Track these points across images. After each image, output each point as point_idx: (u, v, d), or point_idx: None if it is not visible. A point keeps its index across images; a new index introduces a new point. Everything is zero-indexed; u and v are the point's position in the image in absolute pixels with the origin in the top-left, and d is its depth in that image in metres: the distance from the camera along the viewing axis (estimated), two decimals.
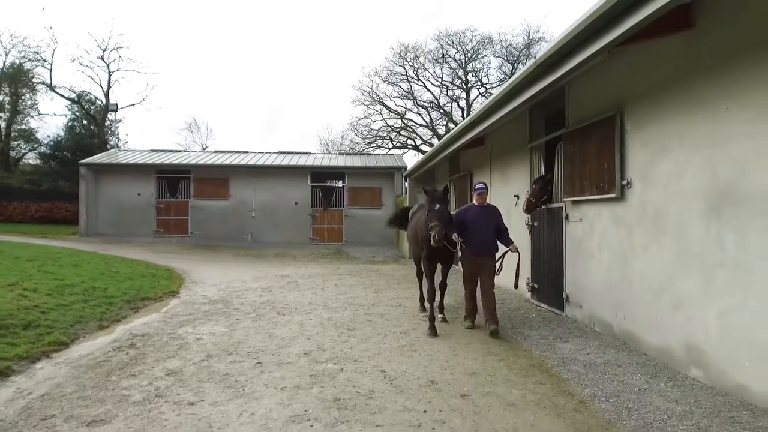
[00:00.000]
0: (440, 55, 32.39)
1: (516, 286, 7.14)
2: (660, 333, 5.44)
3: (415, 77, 33.15)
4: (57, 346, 6.11)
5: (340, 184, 24.32)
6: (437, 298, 7.31)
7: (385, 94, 34.43)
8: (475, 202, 7.14)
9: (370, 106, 34.16)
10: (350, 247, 22.23)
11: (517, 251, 6.89)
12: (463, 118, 32.18)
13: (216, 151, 27.49)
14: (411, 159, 31.86)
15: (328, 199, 24.08)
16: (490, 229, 6.91)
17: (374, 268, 15.64)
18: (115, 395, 4.54)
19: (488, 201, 7.33)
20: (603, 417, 4.13)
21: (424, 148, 33.41)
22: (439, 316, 7.46)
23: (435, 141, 32.26)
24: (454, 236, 6.75)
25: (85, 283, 9.59)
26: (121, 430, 3.82)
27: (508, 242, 6.94)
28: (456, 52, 32.58)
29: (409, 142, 35.73)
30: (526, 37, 31.52)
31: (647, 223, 5.67)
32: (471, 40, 32.41)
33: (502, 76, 32.14)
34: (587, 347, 6.11)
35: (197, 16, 65.89)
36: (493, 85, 32.50)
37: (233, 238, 22.61)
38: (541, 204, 8.33)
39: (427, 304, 7.11)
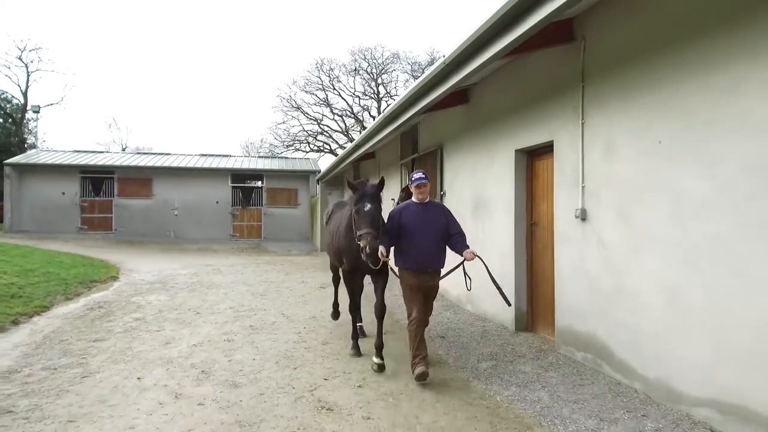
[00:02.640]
0: (354, 68, 35.48)
1: (509, 303, 5.28)
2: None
3: (331, 87, 35.99)
4: (42, 308, 8.37)
5: (259, 184, 26.66)
6: (375, 328, 5.43)
7: (303, 101, 37.05)
8: (413, 198, 5.21)
9: (289, 112, 36.61)
10: (268, 242, 24.68)
11: (476, 257, 4.94)
12: None
13: (139, 153, 28.87)
14: (328, 162, 34.62)
15: (247, 199, 26.36)
16: (436, 234, 5.01)
17: (289, 259, 18.32)
18: (103, 329, 7.03)
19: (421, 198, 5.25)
20: None
21: (339, 152, 36.30)
22: (375, 361, 5.13)
23: (350, 146, 35.29)
24: (381, 251, 4.85)
25: (41, 269, 11.62)
26: (117, 343, 6.36)
27: (460, 247, 4.99)
28: (368, 66, 35.79)
29: (326, 146, 38.51)
30: (429, 56, 35.29)
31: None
32: (381, 55, 35.82)
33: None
34: None
35: (120, 16, 64.83)
36: (399, 96, 36.15)
37: (156, 235, 24.31)
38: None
39: (350, 325, 6.07)
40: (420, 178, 5.17)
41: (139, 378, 4.95)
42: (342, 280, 6.39)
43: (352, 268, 5.69)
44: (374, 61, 35.56)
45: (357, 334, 5.99)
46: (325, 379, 4.92)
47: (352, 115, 36.63)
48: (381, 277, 5.51)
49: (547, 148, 6.22)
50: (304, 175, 26.51)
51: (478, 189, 7.87)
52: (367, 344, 6.07)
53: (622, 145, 4.82)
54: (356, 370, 5.20)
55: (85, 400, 4.36)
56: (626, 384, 4.71)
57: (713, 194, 3.79)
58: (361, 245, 4.78)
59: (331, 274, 7.73)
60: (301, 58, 60.42)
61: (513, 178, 6.83)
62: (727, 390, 3.68)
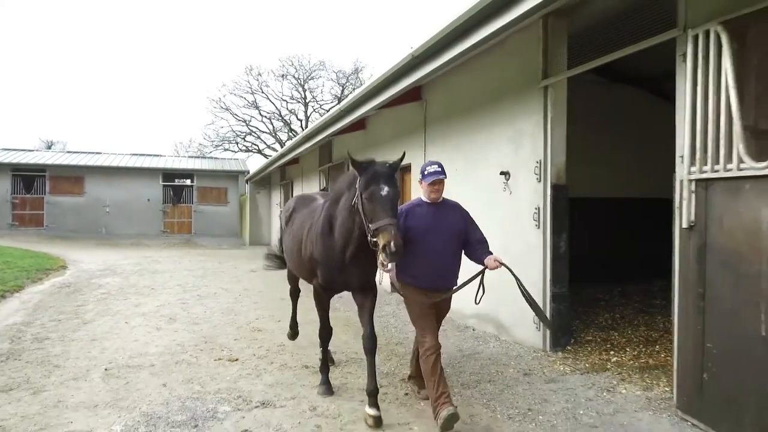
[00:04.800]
0: (282, 74, 37.51)
1: (547, 321, 4.75)
2: None
3: (259, 90, 37.81)
4: (18, 288, 10.24)
5: (189, 183, 28.27)
6: (366, 365, 4.10)
7: (233, 103, 38.64)
8: (424, 197, 4.01)
9: (218, 114, 38.11)
10: (198, 237, 26.45)
11: (502, 265, 3.81)
12: (302, 129, 37.78)
13: (70, 151, 29.55)
14: (256, 161, 36.44)
15: (178, 196, 27.93)
16: (453, 242, 3.95)
17: (220, 252, 20.42)
18: (80, 299, 9.14)
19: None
20: None
21: (267, 152, 38.16)
22: (370, 413, 3.79)
23: (278, 147, 37.26)
24: (387, 266, 3.80)
25: None
26: (97, 306, 8.52)
27: (482, 255, 3.92)
28: (296, 72, 37.93)
29: (254, 146, 40.25)
30: (354, 65, 38.03)
31: None
32: (308, 62, 38.12)
33: (335, 94, 38.23)
34: None
35: (50, 9, 62.50)
36: (327, 102, 38.46)
37: (88, 231, 25.40)
38: None
39: (318, 349, 4.83)
40: (436, 173, 3.82)
41: (126, 322, 7.25)
42: (305, 295, 5.36)
43: (330, 283, 4.25)
44: (301, 67, 37.73)
45: (327, 366, 4.61)
46: (257, 319, 7.47)
47: (281, 118, 38.61)
48: (369, 296, 4.18)
49: (408, 168, 9.08)
50: (234, 175, 28.40)
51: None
52: (338, 375, 4.92)
53: (448, 161, 7.73)
54: (279, 314, 7.73)
55: (95, 332, 6.64)
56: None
57: (476, 198, 6.68)
58: (381, 242, 3.40)
59: (289, 286, 5.96)
60: (230, 62, 61.29)
61: None
62: (484, 311, 6.60)
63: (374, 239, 3.52)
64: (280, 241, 5.80)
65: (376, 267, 4.06)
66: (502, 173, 6.25)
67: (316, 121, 35.84)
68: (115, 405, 4.18)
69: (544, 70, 5.63)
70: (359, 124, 10.88)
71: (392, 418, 3.89)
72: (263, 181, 24.40)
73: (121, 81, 65.86)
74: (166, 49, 67.42)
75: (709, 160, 3.54)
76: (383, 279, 4.15)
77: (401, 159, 3.92)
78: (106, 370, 5.07)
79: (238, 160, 32.89)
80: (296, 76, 37.83)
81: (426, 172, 3.92)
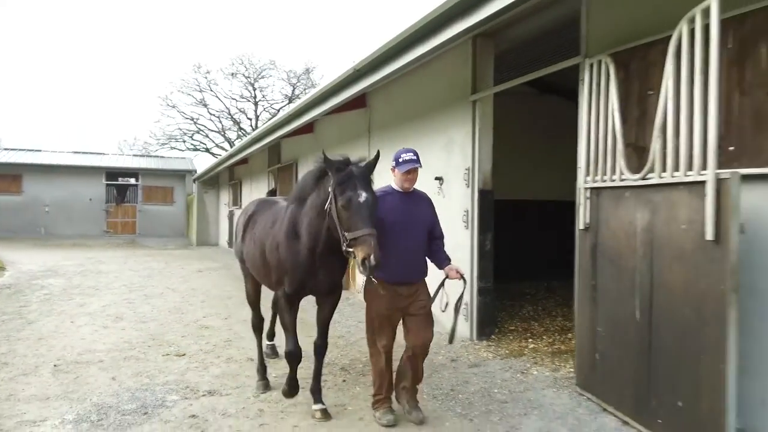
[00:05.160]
0: (232, 72, 37.14)
1: (451, 340, 4.02)
2: None
3: (208, 88, 37.31)
4: None
5: (133, 182, 27.67)
6: (312, 367, 4.17)
7: (180, 101, 37.93)
8: (395, 185, 3.84)
9: (165, 111, 37.33)
10: (143, 238, 25.97)
11: (462, 278, 3.82)
12: (252, 128, 37.56)
13: (7, 148, 28.31)
14: (204, 160, 35.94)
15: (122, 196, 27.31)
16: (423, 234, 3.83)
17: (166, 252, 20.19)
18: (22, 300, 9.06)
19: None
20: None
21: (216, 151, 37.70)
22: (316, 408, 3.97)
23: (227, 146, 36.90)
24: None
25: None
26: (40, 307, 8.49)
27: (442, 260, 3.90)
28: (246, 70, 37.64)
29: (202, 144, 39.64)
30: (305, 65, 38.12)
31: None
32: (259, 61, 37.93)
33: (285, 94, 38.20)
34: None
35: None
36: (278, 102, 38.40)
37: (26, 231, 24.49)
38: None
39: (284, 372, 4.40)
40: (412, 160, 3.63)
41: (72, 322, 7.34)
42: (266, 304, 5.27)
43: (297, 290, 3.95)
44: (252, 66, 37.47)
45: (294, 386, 4.21)
46: (204, 317, 7.71)
47: (230, 117, 38.22)
48: (332, 299, 4.13)
49: None
50: (180, 174, 28.01)
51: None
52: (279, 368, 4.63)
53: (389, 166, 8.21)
54: (226, 312, 7.99)
55: (41, 332, 6.72)
56: None
57: None
58: (359, 255, 3.19)
59: (250, 294, 5.31)
60: (178, 59, 59.80)
61: None
62: None
63: (350, 249, 3.33)
64: (238, 247, 5.14)
65: (345, 270, 4.09)
66: (436, 178, 6.77)
67: (266, 120, 35.58)
68: (66, 397, 4.40)
69: (473, 86, 6.18)
70: (308, 128, 11.22)
71: (329, 401, 4.28)
72: (211, 180, 24.24)
73: (61, 75, 63.24)
74: (108, 43, 65.17)
75: (599, 172, 4.15)
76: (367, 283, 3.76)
77: (377, 158, 3.64)
78: (55, 366, 5.25)
79: (186, 159, 32.42)
80: (246, 74, 37.51)
81: (401, 160, 3.69)
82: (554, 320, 6.89)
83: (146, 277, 12.19)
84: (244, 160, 17.78)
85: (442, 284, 3.94)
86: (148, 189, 27.47)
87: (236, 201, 19.83)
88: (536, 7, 4.99)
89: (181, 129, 37.73)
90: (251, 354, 5.70)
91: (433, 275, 3.96)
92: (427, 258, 3.96)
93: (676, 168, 3.33)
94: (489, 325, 6.18)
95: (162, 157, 33.26)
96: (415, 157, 3.71)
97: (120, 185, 27.38)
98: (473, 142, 6.15)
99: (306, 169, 12.06)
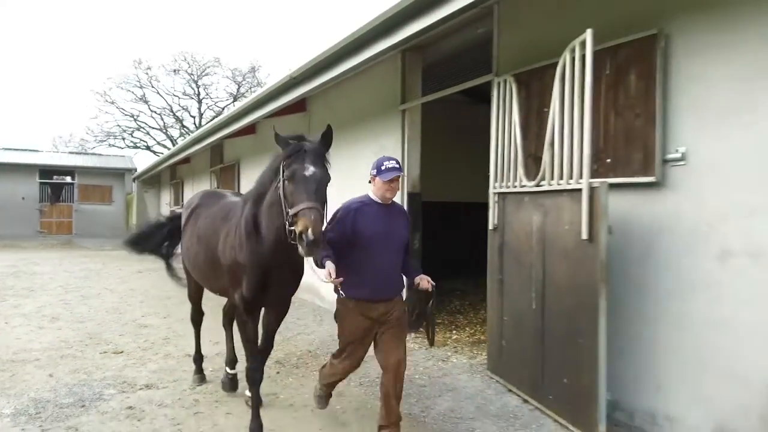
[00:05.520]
0: (174, 69, 36.37)
1: (431, 343, 4.15)
2: None
3: (149, 84, 36.38)
4: None
5: (69, 180, 26.72)
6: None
7: (119, 97, 36.82)
8: (375, 195, 3.47)
9: (102, 108, 36.12)
10: (80, 238, 25.13)
11: (433, 288, 3.61)
12: (195, 125, 36.94)
13: None
14: (144, 158, 35.04)
15: (57, 195, 26.32)
16: (400, 249, 3.58)
17: (104, 253, 19.69)
18: None
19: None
20: None
21: (157, 149, 36.82)
22: (230, 371, 4.56)
23: (168, 143, 36.10)
24: (329, 268, 3.14)
25: None
26: None
27: (411, 271, 3.73)
28: (189, 67, 36.94)
29: (143, 142, 38.58)
30: (250, 63, 37.80)
31: None
32: (203, 58, 37.31)
33: (230, 92, 37.76)
34: None
35: None
36: (222, 100, 37.91)
37: None
38: None
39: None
40: (395, 168, 3.36)
41: (6, 322, 7.29)
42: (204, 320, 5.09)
43: (258, 294, 3.55)
44: (195, 63, 36.84)
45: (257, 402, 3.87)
46: (142, 316, 7.82)
47: (172, 114, 37.41)
48: (283, 306, 3.89)
49: None
50: (119, 173, 27.31)
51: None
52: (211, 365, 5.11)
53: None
54: (165, 312, 8.12)
55: None
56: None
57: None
58: (298, 228, 2.84)
59: (190, 309, 5.17)
60: (117, 54, 57.75)
61: None
62: None
63: (292, 227, 2.91)
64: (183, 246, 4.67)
65: (302, 273, 3.74)
66: (369, 182, 7.18)
67: (210, 118, 35.06)
68: (2, 393, 4.52)
69: (402, 96, 6.64)
70: (250, 129, 11.39)
71: (262, 390, 4.60)
72: (152, 179, 23.80)
73: None
74: (41, 35, 62.07)
75: (505, 179, 4.68)
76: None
77: (330, 133, 3.29)
78: None
79: (125, 157, 31.56)
80: (189, 71, 36.85)
81: (383, 167, 3.36)
82: (478, 313, 7.45)
83: (83, 278, 12.02)
84: (186, 160, 17.65)
85: (414, 294, 3.73)
86: (84, 188, 26.59)
87: (178, 201, 19.63)
88: (455, 27, 5.51)
89: (120, 126, 36.62)
90: (189, 351, 5.89)
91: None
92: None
93: (561, 177, 3.87)
94: (416, 319, 6.64)
95: (100, 154, 32.20)
96: (398, 165, 3.40)
97: (55, 184, 26.38)
98: (402, 148, 6.60)
99: (248, 169, 12.31)
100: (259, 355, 3.81)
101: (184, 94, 37.53)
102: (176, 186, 20.15)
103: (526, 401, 4.38)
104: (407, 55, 6.57)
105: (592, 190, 3.55)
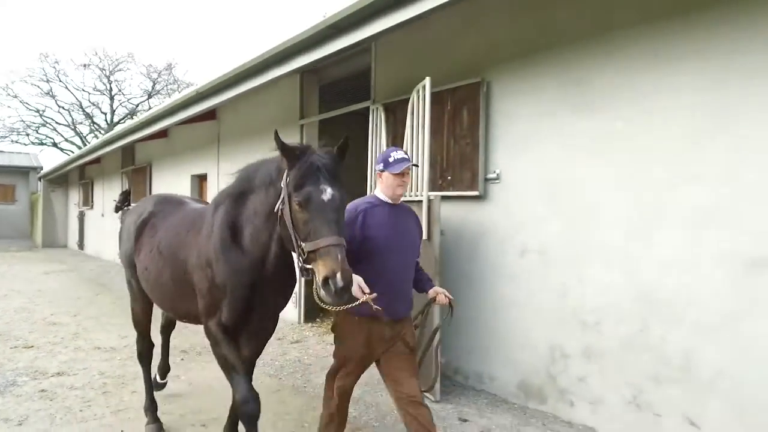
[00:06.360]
0: (84, 63, 34.94)
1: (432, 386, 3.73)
2: None
3: (56, 79, 34.74)
4: None
5: None
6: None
7: (24, 91, 34.83)
8: (383, 194, 3.03)
9: (5, 102, 34.04)
10: None
11: (450, 303, 3.14)
12: (107, 122, 35.72)
13: None
14: (51, 155, 33.46)
15: None
16: (411, 257, 3.12)
17: (9, 254, 19.00)
18: None
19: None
20: None
21: (65, 146, 35.25)
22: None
23: (78, 140, 34.69)
24: (359, 283, 2.59)
25: None
26: None
27: (425, 281, 3.22)
28: (100, 62, 35.63)
29: (49, 138, 36.73)
30: (167, 61, 37.00)
31: None
32: (115, 53, 36.11)
33: (145, 89, 36.79)
34: None
35: None
36: (136, 97, 36.88)
37: None
38: (124, 206, 14.48)
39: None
40: (404, 159, 2.94)
41: None
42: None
43: (238, 319, 2.98)
44: (107, 57, 35.61)
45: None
46: (52, 315, 8.13)
47: (82, 110, 35.91)
48: (266, 331, 3.30)
49: (204, 176, 10.37)
50: (24, 171, 26.13)
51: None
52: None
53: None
54: (75, 311, 8.44)
55: None
56: None
57: None
58: (321, 273, 2.31)
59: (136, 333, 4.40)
60: (20, 47, 54.10)
61: (190, 191, 10.81)
62: None
63: (308, 266, 2.40)
64: (128, 258, 3.99)
65: (292, 293, 3.20)
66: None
67: (123, 116, 34.01)
68: None
69: (301, 112, 7.47)
70: (162, 133, 11.78)
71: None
72: (59, 179, 23.02)
73: None
74: None
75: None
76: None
77: (346, 142, 2.68)
78: None
79: (29, 154, 30.05)
80: (101, 66, 35.57)
81: (390, 159, 2.94)
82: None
83: None
84: (96, 160, 17.48)
85: (427, 310, 3.22)
86: None
87: (87, 201, 19.30)
88: (347, 56, 6.40)
89: (24, 121, 34.72)
90: (98, 344, 6.44)
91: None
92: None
93: (412, 189, 4.87)
94: (314, 311, 7.52)
95: (2, 151, 30.46)
96: (407, 155, 2.97)
97: None
98: None
99: (161, 171, 12.66)
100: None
101: (95, 89, 36.17)
102: (85, 186, 19.75)
103: None
104: (305, 76, 7.41)
105: (429, 201, 4.57)
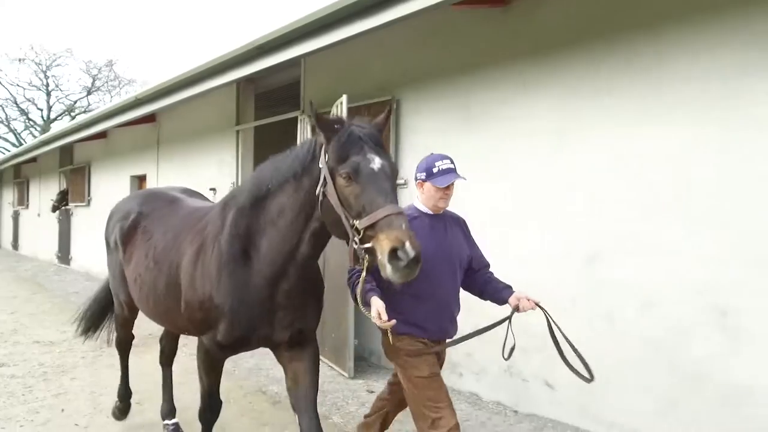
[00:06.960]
0: (19, 57, 33.63)
1: (590, 377, 2.78)
2: None
3: None
4: None
5: None
6: None
7: None
8: (423, 205, 2.83)
9: None
10: None
11: (539, 306, 2.81)
12: (43, 119, 34.56)
13: None
14: None
15: None
16: (459, 272, 2.87)
17: None
18: None
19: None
20: None
21: None
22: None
23: (12, 137, 33.47)
24: (375, 303, 2.48)
25: None
26: None
27: (501, 290, 2.88)
28: (36, 56, 34.39)
29: None
30: (108, 57, 36.09)
31: None
32: (52, 48, 34.94)
33: (84, 85, 35.79)
34: None
35: None
36: (75, 93, 35.85)
37: None
38: (62, 206, 14.41)
39: None
40: (451, 171, 2.69)
41: None
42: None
43: (239, 339, 2.64)
44: (44, 52, 34.47)
45: None
46: (11, 314, 8.28)
47: (16, 106, 34.59)
48: (309, 351, 2.87)
49: (144, 177, 10.64)
50: None
51: (111, 199, 11.71)
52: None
53: (175, 176, 9.56)
54: (11, 309, 8.58)
55: None
56: None
57: None
58: (385, 245, 2.01)
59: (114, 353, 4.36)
60: None
61: (129, 191, 11.05)
62: None
63: (367, 245, 2.07)
64: (118, 271, 3.60)
65: (321, 306, 2.85)
66: (211, 189, 8.41)
67: (60, 112, 33.06)
68: None
69: (237, 119, 7.97)
70: (101, 134, 11.92)
71: (104, 362, 5.70)
72: None
73: None
74: None
75: None
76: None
77: (388, 115, 2.53)
78: None
79: None
80: (37, 61, 34.39)
81: (435, 170, 2.69)
82: None
83: None
84: (33, 159, 17.18)
85: (509, 321, 2.84)
86: None
87: (23, 201, 18.87)
88: (282, 67, 6.94)
89: None
90: (37, 338, 6.73)
91: None
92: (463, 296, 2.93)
93: None
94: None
95: None
96: (454, 166, 2.72)
97: None
98: (237, 163, 7.93)
99: (99, 172, 12.74)
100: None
101: (31, 84, 34.95)
102: (20, 185, 19.29)
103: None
104: (242, 85, 7.91)
105: None
